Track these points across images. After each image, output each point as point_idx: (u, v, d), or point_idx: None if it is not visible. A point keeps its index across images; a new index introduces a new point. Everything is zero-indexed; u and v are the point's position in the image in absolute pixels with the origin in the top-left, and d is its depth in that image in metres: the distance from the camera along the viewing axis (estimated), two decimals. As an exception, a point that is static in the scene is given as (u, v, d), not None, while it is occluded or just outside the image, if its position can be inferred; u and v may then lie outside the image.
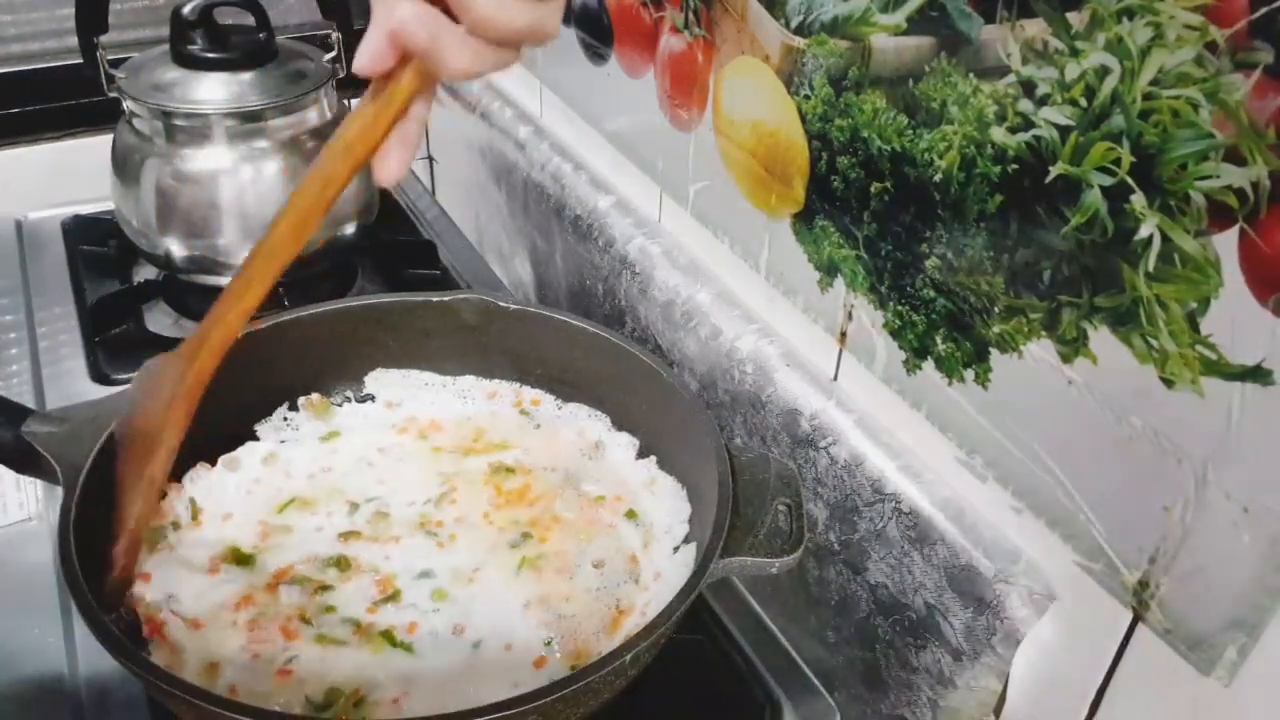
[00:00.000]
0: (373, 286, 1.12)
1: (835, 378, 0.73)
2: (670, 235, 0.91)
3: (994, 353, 0.59)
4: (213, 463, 0.76)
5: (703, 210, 0.85)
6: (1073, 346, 0.53)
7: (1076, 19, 0.49)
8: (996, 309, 0.57)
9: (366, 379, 0.84)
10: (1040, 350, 0.55)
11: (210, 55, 0.98)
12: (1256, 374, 0.45)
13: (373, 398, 0.84)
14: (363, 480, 0.77)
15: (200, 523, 0.72)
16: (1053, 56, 0.50)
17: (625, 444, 0.79)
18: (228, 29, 0.99)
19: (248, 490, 0.75)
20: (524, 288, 1.19)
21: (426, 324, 0.83)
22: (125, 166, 1.01)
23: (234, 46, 0.99)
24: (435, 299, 0.83)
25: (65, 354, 1.01)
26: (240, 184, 0.99)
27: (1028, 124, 0.53)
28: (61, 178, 1.23)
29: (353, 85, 1.07)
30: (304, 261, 1.04)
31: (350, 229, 1.06)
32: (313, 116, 1.02)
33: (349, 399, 0.84)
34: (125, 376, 0.96)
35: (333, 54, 1.05)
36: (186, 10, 0.97)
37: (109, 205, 1.06)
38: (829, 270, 0.71)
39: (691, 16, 0.79)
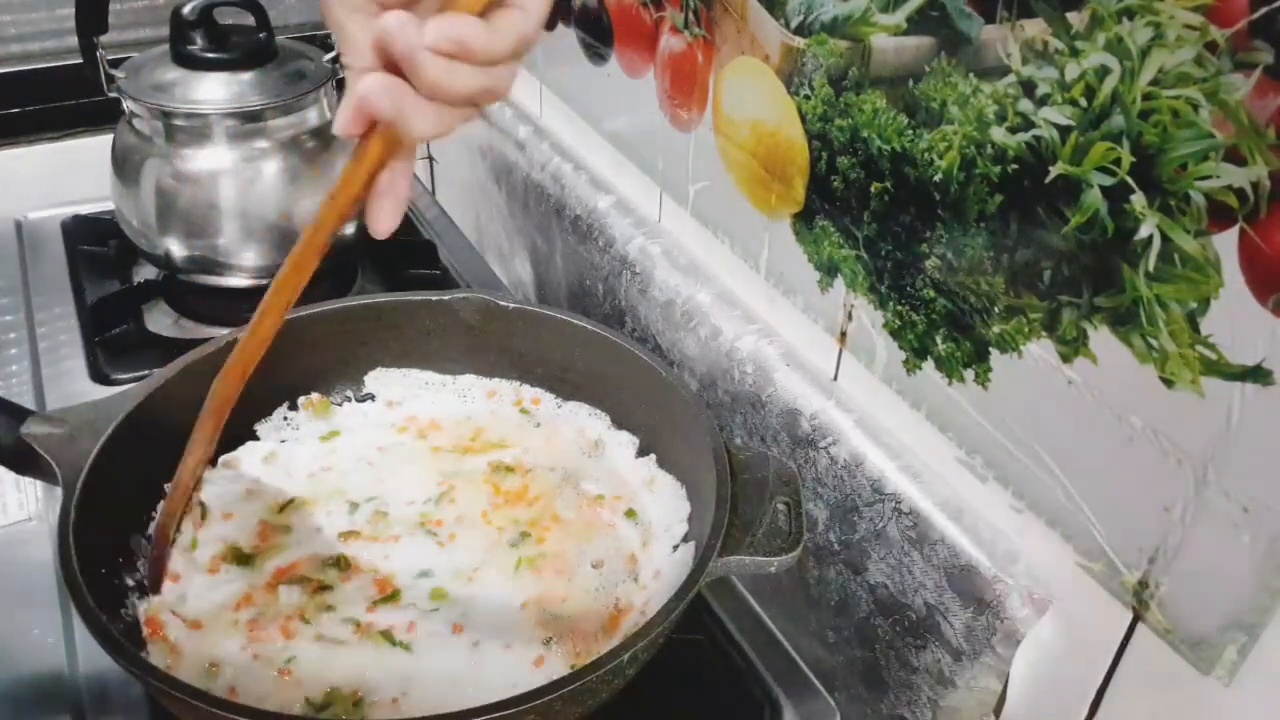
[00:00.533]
0: (373, 286, 1.12)
1: (835, 378, 0.73)
2: (670, 235, 0.91)
3: (994, 353, 0.59)
4: (213, 463, 0.76)
5: (703, 210, 0.85)
6: (1073, 346, 0.53)
7: (1076, 19, 0.49)
8: (996, 309, 0.57)
9: (367, 378, 0.85)
10: (1040, 350, 0.55)
11: (210, 55, 0.98)
12: (1256, 374, 0.45)
13: (373, 397, 0.84)
14: (362, 480, 0.77)
15: (208, 523, 0.73)
16: (1053, 56, 0.50)
17: (625, 442, 0.79)
18: (228, 29, 0.99)
19: (248, 490, 0.75)
20: (524, 288, 1.19)
21: (427, 323, 0.83)
22: (125, 166, 1.01)
23: (234, 46, 0.99)
24: (435, 298, 0.83)
25: (65, 354, 1.01)
26: (240, 184, 0.99)
27: (1028, 124, 0.53)
28: (61, 178, 1.23)
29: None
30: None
31: (350, 229, 1.06)
32: (313, 116, 1.02)
33: (349, 398, 0.84)
34: (125, 376, 0.96)
35: (333, 54, 1.05)
36: (186, 10, 0.97)
37: (109, 205, 1.06)
38: (829, 270, 0.71)
39: (691, 16, 0.79)
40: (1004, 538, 0.61)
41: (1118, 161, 0.48)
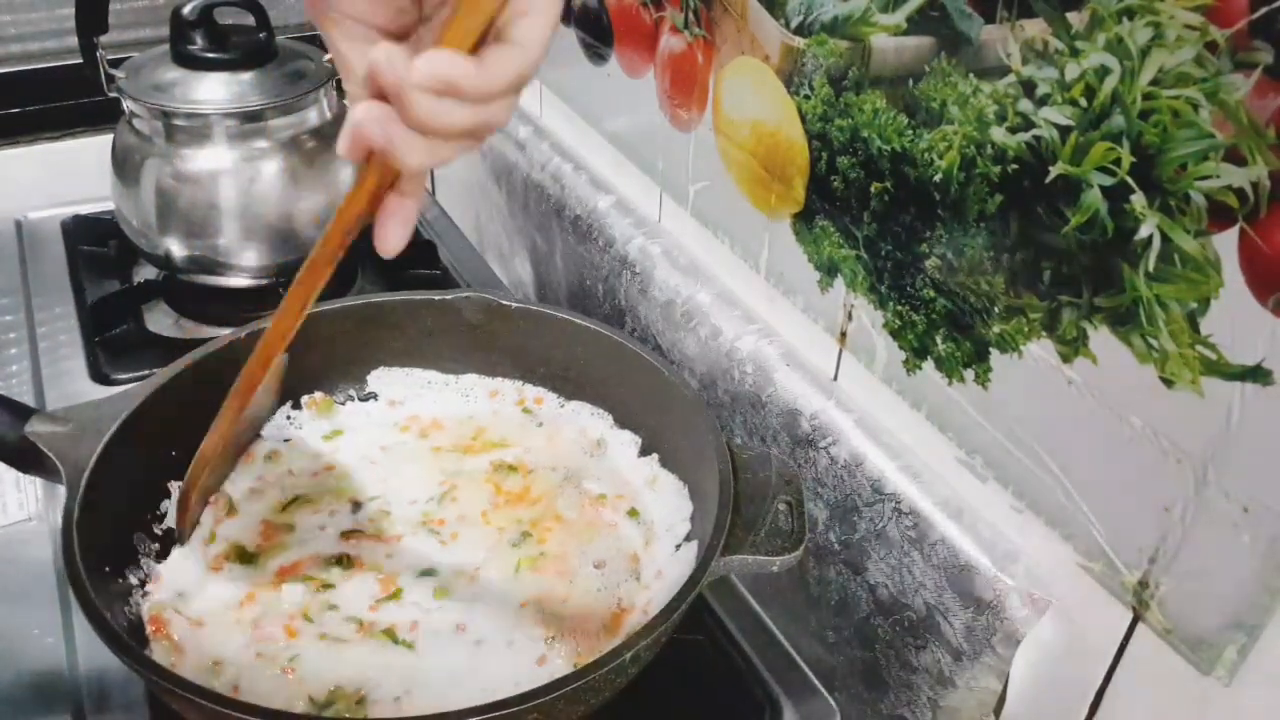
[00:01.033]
0: (373, 286, 1.12)
1: (835, 378, 0.73)
2: (670, 235, 0.91)
3: (994, 353, 0.59)
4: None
5: (703, 210, 0.85)
6: (1073, 346, 0.53)
7: (1076, 19, 0.49)
8: (996, 309, 0.58)
9: (369, 378, 0.85)
10: (1040, 350, 0.56)
11: (210, 55, 0.98)
12: (1256, 374, 0.45)
13: (376, 396, 0.84)
14: (365, 479, 0.77)
15: (233, 516, 0.73)
16: (1053, 56, 0.51)
17: (627, 442, 0.79)
18: (228, 29, 0.99)
19: (251, 488, 0.75)
20: (524, 287, 1.19)
21: (429, 323, 0.83)
22: (125, 166, 1.01)
23: (234, 46, 0.99)
24: (438, 298, 0.83)
25: (65, 354, 1.01)
26: (240, 184, 0.99)
27: (1028, 124, 0.53)
28: (61, 178, 1.23)
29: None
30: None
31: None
32: (313, 116, 1.02)
33: (352, 398, 0.84)
34: (125, 376, 0.96)
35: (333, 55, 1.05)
36: (186, 10, 0.97)
37: (109, 205, 1.06)
38: (829, 270, 0.71)
39: (691, 16, 0.80)
40: (1004, 538, 0.61)
41: (1118, 161, 0.49)
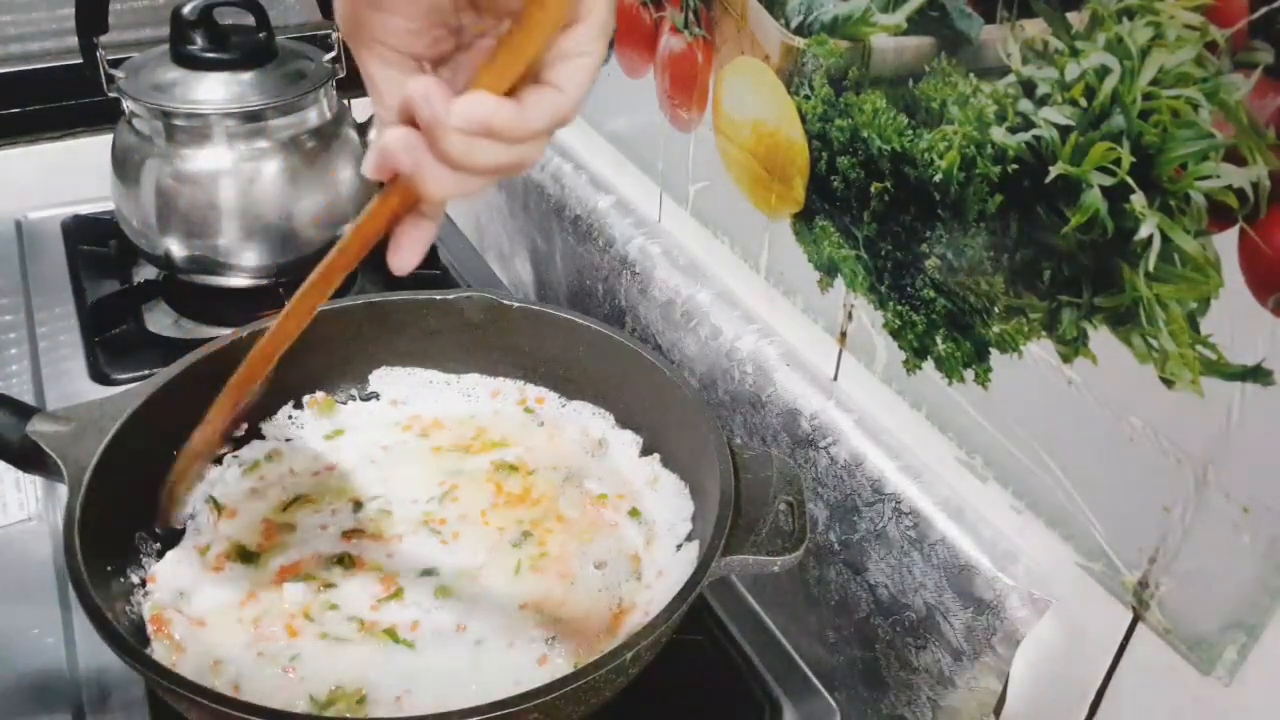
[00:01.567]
0: (372, 286, 1.12)
1: (835, 378, 0.73)
2: (670, 235, 0.91)
3: (994, 353, 0.59)
4: (218, 461, 0.76)
5: (703, 210, 0.85)
6: (1073, 346, 0.54)
7: (1076, 19, 0.49)
8: (996, 309, 0.58)
9: (371, 377, 0.85)
10: (1040, 350, 0.56)
11: (210, 55, 0.98)
12: (1256, 374, 0.45)
13: (377, 396, 0.85)
14: (367, 478, 0.77)
15: (224, 518, 0.73)
16: (1053, 56, 0.51)
17: (629, 442, 0.79)
18: (228, 29, 0.99)
19: (252, 488, 0.76)
20: (524, 287, 1.19)
21: (431, 322, 0.83)
22: (125, 166, 1.01)
23: (234, 46, 0.99)
24: (440, 297, 0.83)
25: (65, 354, 1.01)
26: (240, 184, 0.99)
27: (1028, 124, 0.53)
28: (61, 178, 1.22)
29: (353, 85, 1.08)
30: (305, 263, 1.04)
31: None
32: (313, 116, 1.02)
33: (354, 397, 0.84)
34: (125, 376, 0.96)
35: (333, 54, 1.05)
36: (186, 10, 0.97)
37: (109, 205, 1.06)
38: (829, 270, 0.71)
39: (691, 16, 0.80)
40: (1004, 538, 0.61)
41: (1118, 161, 0.49)
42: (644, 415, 0.79)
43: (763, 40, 0.72)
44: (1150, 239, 0.48)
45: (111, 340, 1.01)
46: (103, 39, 0.98)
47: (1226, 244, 0.45)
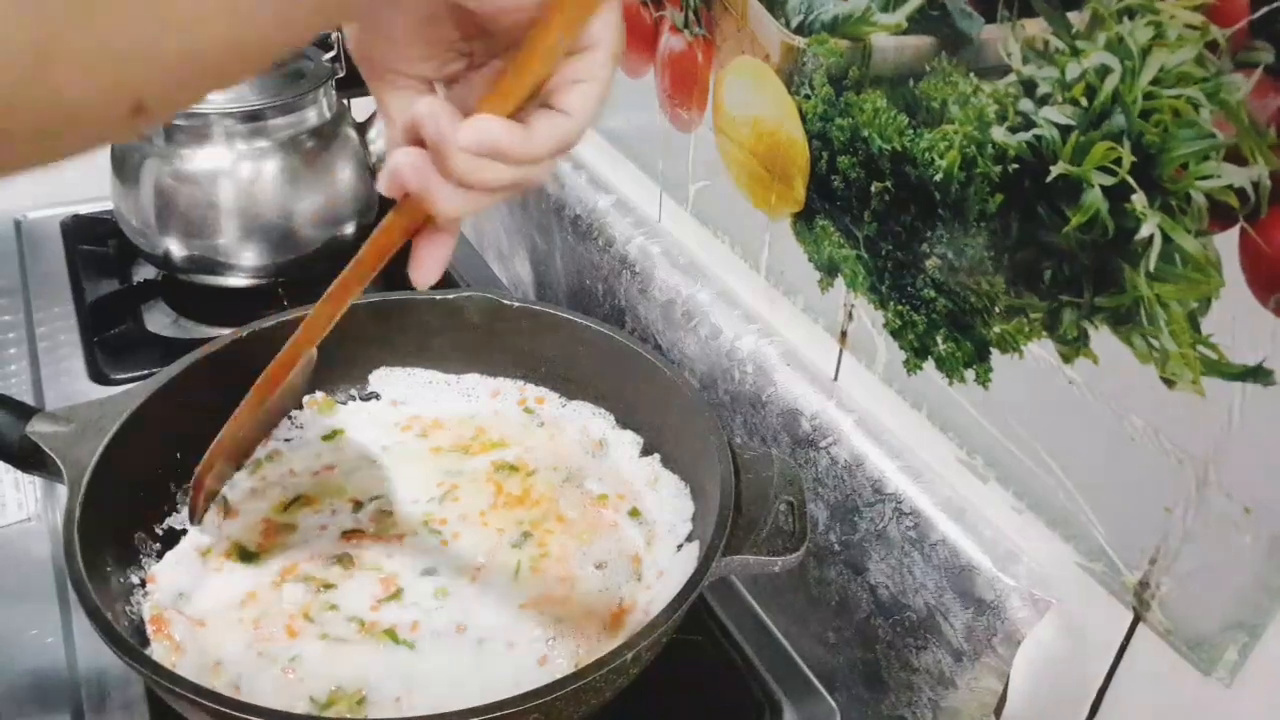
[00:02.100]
0: (374, 286, 1.12)
1: (835, 378, 0.73)
2: (670, 235, 0.91)
3: (994, 353, 0.59)
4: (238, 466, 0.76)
5: (703, 210, 0.85)
6: (1073, 346, 0.53)
7: (1077, 18, 0.49)
8: (997, 309, 0.58)
9: (371, 377, 0.85)
10: (1041, 350, 0.56)
11: (210, 55, 0.97)
12: (1257, 374, 0.45)
13: (377, 396, 0.85)
14: (366, 478, 0.77)
15: (232, 517, 0.73)
16: (1053, 56, 0.51)
17: (629, 442, 0.79)
18: (228, 29, 0.99)
19: (252, 488, 0.75)
20: (523, 287, 1.19)
21: (431, 322, 0.83)
22: (125, 166, 1.01)
23: (234, 46, 0.99)
24: (440, 297, 0.83)
25: (64, 354, 1.01)
26: (240, 184, 0.99)
27: (1028, 123, 0.53)
28: (61, 178, 1.22)
29: (352, 85, 1.08)
30: (304, 262, 1.04)
31: (349, 229, 1.06)
32: (312, 116, 1.02)
33: (353, 397, 0.84)
34: (124, 376, 0.96)
35: (332, 54, 1.05)
36: (187, 10, 0.96)
37: (109, 205, 1.06)
38: (829, 270, 0.71)
39: (691, 16, 0.80)
40: (1005, 538, 0.61)
41: (1118, 161, 0.49)
42: (644, 415, 0.79)
43: (763, 40, 0.72)
44: (1151, 239, 0.48)
45: (111, 340, 1.01)
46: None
47: (1227, 244, 0.45)
